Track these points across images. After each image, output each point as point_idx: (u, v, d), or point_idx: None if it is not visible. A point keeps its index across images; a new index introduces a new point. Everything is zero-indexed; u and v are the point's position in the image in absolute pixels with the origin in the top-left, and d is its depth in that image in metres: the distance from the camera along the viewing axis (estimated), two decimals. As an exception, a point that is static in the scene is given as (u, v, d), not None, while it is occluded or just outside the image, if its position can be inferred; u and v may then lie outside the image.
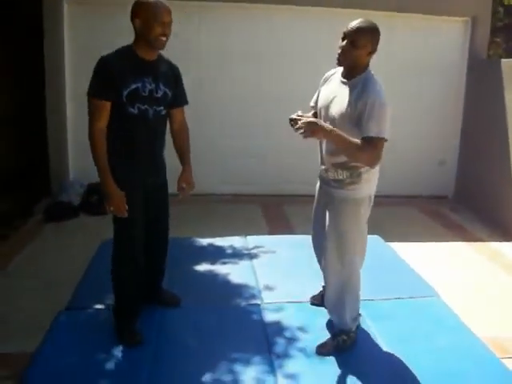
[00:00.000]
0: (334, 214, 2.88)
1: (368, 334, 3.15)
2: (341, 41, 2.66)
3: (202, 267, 4.05)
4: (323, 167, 2.92)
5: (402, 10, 6.00)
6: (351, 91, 2.67)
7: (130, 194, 2.78)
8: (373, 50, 2.66)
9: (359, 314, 3.07)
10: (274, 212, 5.79)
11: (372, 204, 2.92)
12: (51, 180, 5.93)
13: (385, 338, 3.12)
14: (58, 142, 5.92)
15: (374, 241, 4.63)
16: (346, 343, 2.99)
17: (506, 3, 8.97)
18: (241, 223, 5.25)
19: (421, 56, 6.26)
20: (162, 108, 2.87)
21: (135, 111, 2.74)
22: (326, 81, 2.96)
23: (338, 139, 2.59)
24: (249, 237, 4.73)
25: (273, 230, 5.15)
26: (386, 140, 2.60)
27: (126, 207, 2.74)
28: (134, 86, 2.70)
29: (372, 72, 2.72)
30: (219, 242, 4.59)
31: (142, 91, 2.73)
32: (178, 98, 3.01)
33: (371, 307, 3.44)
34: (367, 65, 2.71)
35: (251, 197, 6.16)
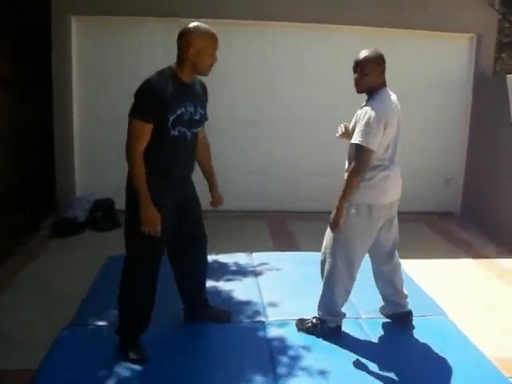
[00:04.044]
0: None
1: (375, 353, 3.12)
2: (353, 73, 3.01)
3: (207, 284, 4.02)
4: None
5: (407, 27, 6.02)
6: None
7: (164, 213, 2.77)
8: (382, 71, 2.99)
9: (340, 315, 3.22)
10: (279, 228, 5.77)
11: (376, 220, 3.05)
12: (58, 196, 5.94)
13: (391, 356, 3.09)
14: (64, 158, 5.94)
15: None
16: (315, 329, 3.24)
17: (512, 19, 8.98)
18: (246, 239, 5.24)
19: (426, 72, 6.26)
20: (197, 129, 2.94)
21: (176, 133, 2.76)
22: None
23: (342, 197, 2.93)
24: (254, 253, 4.72)
25: (278, 247, 5.12)
26: (368, 148, 2.84)
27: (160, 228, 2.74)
28: (179, 112, 2.74)
29: (387, 89, 3.02)
30: (224, 258, 4.58)
31: (184, 116, 2.78)
32: (205, 115, 3.02)
33: (378, 325, 3.43)
34: (383, 84, 3.01)
35: (257, 213, 6.16)
